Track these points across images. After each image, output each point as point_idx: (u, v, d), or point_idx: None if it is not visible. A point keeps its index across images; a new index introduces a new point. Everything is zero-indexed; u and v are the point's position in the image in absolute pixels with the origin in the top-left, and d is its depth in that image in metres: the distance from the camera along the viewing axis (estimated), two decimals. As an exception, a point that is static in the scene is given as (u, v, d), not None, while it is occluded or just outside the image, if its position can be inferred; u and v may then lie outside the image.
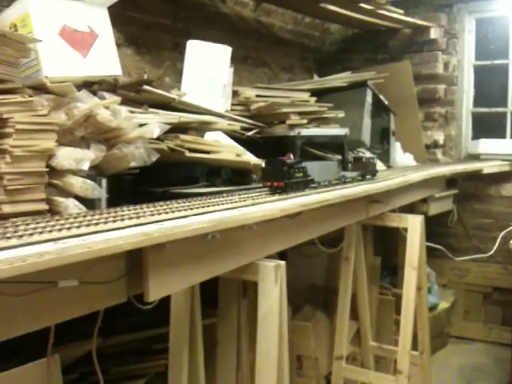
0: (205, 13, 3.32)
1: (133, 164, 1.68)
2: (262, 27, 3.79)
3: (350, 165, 2.52)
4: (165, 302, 1.61)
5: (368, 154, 2.72)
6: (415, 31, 4.12)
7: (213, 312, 2.18)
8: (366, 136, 3.26)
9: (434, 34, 4.06)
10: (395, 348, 2.82)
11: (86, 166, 1.51)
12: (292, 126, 2.68)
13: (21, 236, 0.99)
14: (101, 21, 1.67)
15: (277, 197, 1.70)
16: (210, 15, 3.37)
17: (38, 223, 1.15)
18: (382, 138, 3.57)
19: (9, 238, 0.98)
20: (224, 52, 2.39)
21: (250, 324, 2.23)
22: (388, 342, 3.05)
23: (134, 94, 1.90)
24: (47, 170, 1.44)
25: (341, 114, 3.01)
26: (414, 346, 2.67)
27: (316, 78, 3.47)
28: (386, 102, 3.50)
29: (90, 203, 1.54)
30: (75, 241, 1.01)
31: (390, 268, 3.52)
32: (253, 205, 1.53)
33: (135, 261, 1.24)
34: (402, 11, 3.67)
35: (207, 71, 2.37)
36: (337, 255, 2.90)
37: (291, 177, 1.76)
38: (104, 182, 1.64)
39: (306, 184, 1.86)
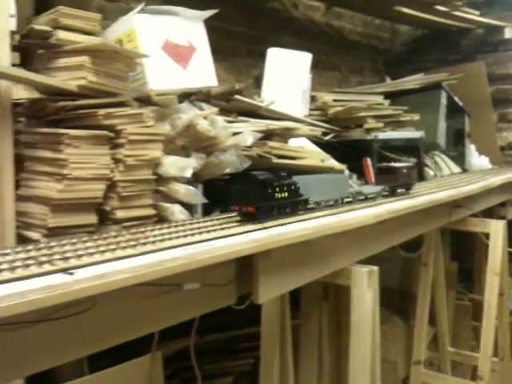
0: (278, 19, 3.38)
1: (227, 170, 1.75)
2: (333, 31, 3.81)
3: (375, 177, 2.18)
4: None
5: (403, 163, 2.15)
6: (488, 31, 4.03)
7: (295, 314, 2.23)
8: (441, 139, 3.23)
9: (509, 33, 3.96)
10: (473, 354, 2.78)
11: (188, 174, 1.59)
12: (368, 130, 2.70)
13: (153, 242, 1.07)
14: (198, 34, 1.75)
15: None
16: (283, 21, 3.42)
17: (160, 229, 1.23)
18: (456, 140, 3.52)
19: (144, 243, 1.06)
20: (304, 58, 2.44)
21: (331, 326, 2.26)
22: (464, 347, 3.01)
23: (224, 103, 1.97)
24: (154, 177, 1.53)
25: (416, 117, 3.00)
26: (494, 352, 2.63)
27: (388, 80, 3.45)
28: (461, 104, 3.45)
29: (188, 208, 1.62)
30: (200, 246, 1.08)
31: (465, 273, 3.47)
32: (347, 212, 1.56)
33: (243, 265, 1.30)
34: (477, 12, 3.61)
35: (287, 78, 2.42)
36: (412, 259, 2.89)
37: (268, 198, 1.36)
38: (200, 187, 1.72)
39: (294, 206, 1.46)
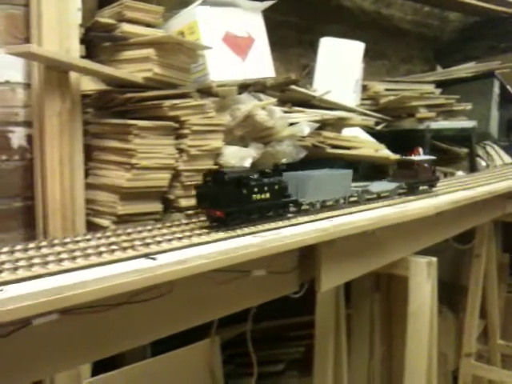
0: (327, 8, 3.36)
1: (283, 161, 1.77)
2: (382, 19, 3.76)
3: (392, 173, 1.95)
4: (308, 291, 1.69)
5: (422, 157, 1.97)
6: (543, 17, 3.89)
7: (346, 303, 2.24)
8: (493, 128, 3.16)
9: None
10: (525, 347, 2.74)
11: (248, 163, 1.61)
12: (421, 120, 2.67)
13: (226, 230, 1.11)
14: (256, 25, 1.77)
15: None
16: (332, 10, 3.39)
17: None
18: (508, 130, 3.43)
19: (217, 231, 1.09)
20: (357, 48, 2.42)
21: (382, 316, 2.27)
22: (515, 340, 2.96)
23: (278, 94, 1.99)
24: (215, 167, 1.57)
25: (468, 106, 2.95)
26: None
27: (439, 69, 3.39)
28: (514, 93, 3.35)
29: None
30: (269, 234, 1.11)
31: (516, 265, 3.40)
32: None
33: (305, 254, 1.32)
34: (534, -3, 3.49)
35: (340, 67, 2.41)
36: (463, 251, 2.85)
37: (242, 201, 1.15)
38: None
39: (279, 209, 1.25)
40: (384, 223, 1.40)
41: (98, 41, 1.58)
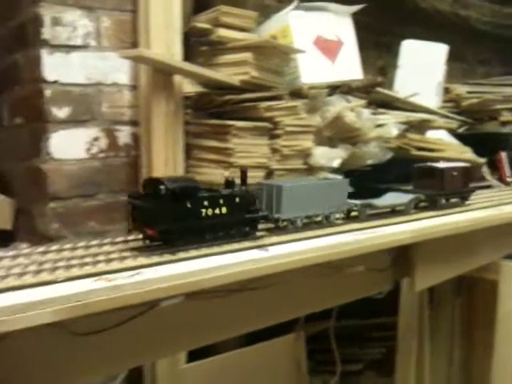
0: (404, 10, 3.33)
1: (369, 162, 1.79)
2: (459, 20, 3.69)
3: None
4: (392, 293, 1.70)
5: (454, 163, 1.60)
6: None
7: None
8: None
9: None
10: None
11: (336, 164, 1.65)
12: (504, 123, 2.62)
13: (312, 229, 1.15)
14: (346, 29, 1.81)
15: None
16: (409, 12, 3.36)
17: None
18: None
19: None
20: (440, 50, 2.40)
21: (462, 321, 2.24)
22: None
23: (363, 95, 2.01)
24: (305, 167, 1.61)
25: (555, 110, 2.85)
26: None
27: (521, 71, 3.29)
28: None
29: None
30: (363, 233, 1.14)
31: None
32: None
33: (398, 253, 1.34)
34: None
35: (422, 69, 2.40)
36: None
37: (187, 217, 0.96)
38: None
39: (242, 227, 1.04)
40: (481, 225, 1.39)
41: (196, 45, 1.66)
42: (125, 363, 0.92)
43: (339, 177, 1.64)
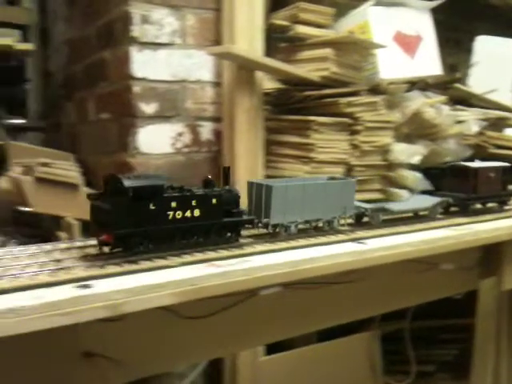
0: (475, 6, 3.25)
1: (447, 159, 1.76)
2: (532, 15, 3.56)
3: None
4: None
5: (489, 163, 1.47)
6: None
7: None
8: None
9: None
10: None
11: (416, 161, 1.63)
12: None
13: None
14: (425, 24, 1.79)
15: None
16: (480, 8, 3.28)
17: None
18: None
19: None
20: (516, 46, 2.32)
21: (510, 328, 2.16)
22: None
23: (439, 91, 1.97)
24: (384, 163, 1.60)
25: None
26: None
27: None
28: None
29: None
30: (461, 229, 1.12)
31: None
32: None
33: (485, 252, 1.32)
34: None
35: (497, 65, 2.33)
36: None
37: (151, 220, 0.84)
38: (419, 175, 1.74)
39: (219, 233, 0.92)
40: None
41: (275, 42, 1.68)
42: (225, 348, 0.95)
43: (419, 174, 1.62)
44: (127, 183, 0.82)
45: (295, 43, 1.65)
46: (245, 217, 0.96)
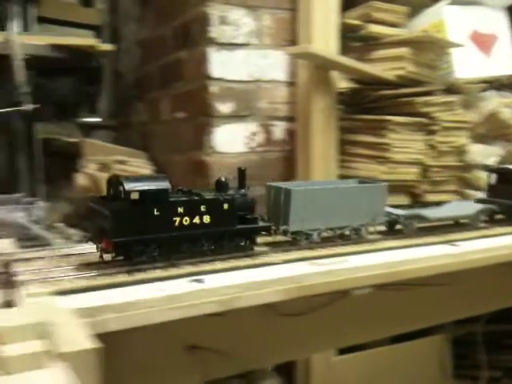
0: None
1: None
2: None
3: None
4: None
5: None
6: None
7: None
8: None
9: None
10: None
11: (492, 162, 1.59)
12: None
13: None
14: (500, 22, 1.75)
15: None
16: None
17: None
18: None
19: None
20: None
21: None
22: None
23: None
24: (461, 164, 1.57)
25: None
26: None
27: None
28: None
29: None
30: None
31: None
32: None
33: None
34: None
35: None
36: None
37: (156, 227, 0.79)
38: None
39: (231, 240, 0.85)
40: None
41: (347, 41, 1.68)
42: (319, 346, 0.95)
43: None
44: (128, 186, 0.77)
45: (368, 42, 1.64)
46: (261, 223, 0.89)
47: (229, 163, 1.52)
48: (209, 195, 0.85)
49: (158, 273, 0.77)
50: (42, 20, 1.75)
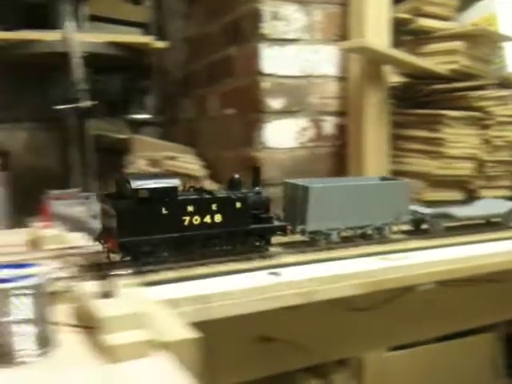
0: None
1: None
2: None
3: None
4: None
5: None
6: None
7: None
8: None
9: None
10: None
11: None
12: None
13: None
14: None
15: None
16: None
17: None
18: None
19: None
20: None
21: None
22: None
23: None
24: (513, 159, 1.54)
25: None
26: None
27: None
28: None
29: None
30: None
31: None
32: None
33: None
34: None
35: None
36: None
37: (158, 227, 0.75)
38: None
39: (244, 240, 0.81)
40: None
41: (397, 35, 1.66)
42: (386, 340, 0.95)
43: None
44: (135, 184, 0.73)
45: (419, 36, 1.62)
46: (276, 222, 0.85)
47: (279, 159, 1.52)
48: (219, 193, 0.82)
49: (232, 266, 0.77)
50: (93, 18, 1.78)
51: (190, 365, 0.49)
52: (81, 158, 1.72)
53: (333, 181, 1.00)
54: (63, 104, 1.49)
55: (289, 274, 0.73)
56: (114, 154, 1.82)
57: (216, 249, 0.78)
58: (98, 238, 0.79)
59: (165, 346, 0.50)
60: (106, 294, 0.56)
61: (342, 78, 1.56)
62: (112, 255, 0.76)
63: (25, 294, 0.50)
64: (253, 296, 0.66)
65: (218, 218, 0.78)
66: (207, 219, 0.77)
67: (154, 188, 0.73)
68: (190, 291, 0.68)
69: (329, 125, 1.57)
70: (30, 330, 0.50)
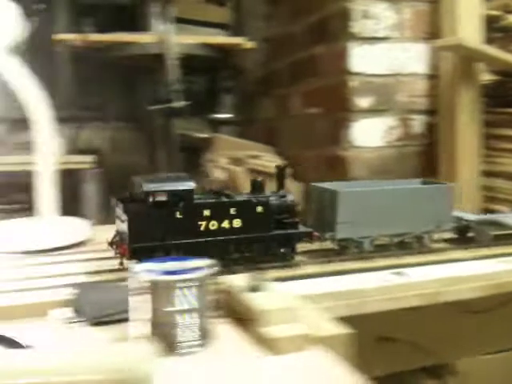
0: None
1: None
2: None
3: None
4: None
5: None
6: None
7: None
8: None
9: None
10: None
11: None
12: None
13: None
14: None
15: None
16: None
17: None
18: None
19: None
20: None
21: None
22: None
23: None
24: None
25: None
26: None
27: None
28: None
29: None
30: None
31: None
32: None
33: None
34: None
35: None
36: None
37: (172, 232, 0.72)
38: None
39: (267, 248, 0.77)
40: None
41: (488, 32, 1.62)
42: (501, 343, 0.94)
43: None
44: (147, 187, 0.70)
45: (509, 33, 1.58)
46: (302, 229, 0.80)
47: (366, 158, 1.52)
48: (238, 197, 0.78)
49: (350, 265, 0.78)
50: (178, 20, 1.82)
51: (346, 360, 0.50)
52: (166, 156, 1.77)
53: (363, 184, 0.96)
54: (154, 104, 1.54)
55: (413, 275, 0.73)
56: (195, 153, 1.87)
57: (234, 256, 0.74)
58: (111, 243, 0.77)
59: (321, 340, 0.51)
60: (254, 288, 0.58)
61: (432, 76, 1.54)
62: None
63: (189, 287, 0.52)
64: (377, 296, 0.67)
65: (236, 223, 0.74)
66: (225, 224, 0.73)
67: (168, 191, 0.71)
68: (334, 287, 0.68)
69: (417, 123, 1.55)
70: (194, 320, 0.53)
